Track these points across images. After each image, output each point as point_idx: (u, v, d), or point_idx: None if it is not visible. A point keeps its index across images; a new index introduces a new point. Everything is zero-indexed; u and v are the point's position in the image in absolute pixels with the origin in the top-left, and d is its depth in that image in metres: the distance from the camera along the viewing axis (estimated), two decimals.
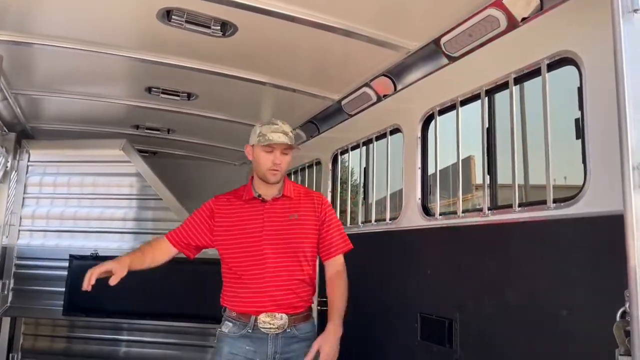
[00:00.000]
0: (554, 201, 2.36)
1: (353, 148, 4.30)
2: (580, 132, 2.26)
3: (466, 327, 2.84)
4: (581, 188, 2.24)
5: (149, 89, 4.13)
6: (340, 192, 4.66)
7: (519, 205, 2.55)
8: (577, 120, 2.29)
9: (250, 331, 2.53)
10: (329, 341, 2.45)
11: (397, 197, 3.77)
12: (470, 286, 2.82)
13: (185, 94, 4.24)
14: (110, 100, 4.41)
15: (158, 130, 5.51)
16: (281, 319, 2.53)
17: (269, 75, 3.80)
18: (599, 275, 2.13)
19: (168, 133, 5.59)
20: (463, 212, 2.95)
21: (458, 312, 2.90)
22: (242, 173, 6.65)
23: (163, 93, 4.17)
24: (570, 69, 2.34)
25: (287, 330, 2.54)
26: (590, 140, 2.21)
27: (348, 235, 2.76)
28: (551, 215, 2.35)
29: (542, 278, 2.36)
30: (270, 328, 2.52)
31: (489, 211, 2.76)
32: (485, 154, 2.79)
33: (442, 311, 3.01)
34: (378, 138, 3.92)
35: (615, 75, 1.59)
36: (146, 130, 5.43)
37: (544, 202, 2.40)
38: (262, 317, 2.52)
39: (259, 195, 2.66)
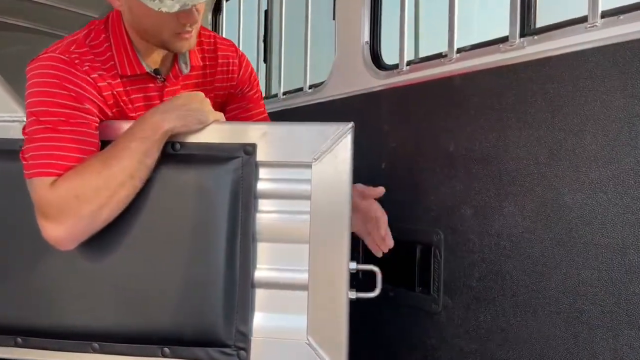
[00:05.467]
0: None
1: None
2: None
3: (458, 257, 1.58)
4: None
5: None
6: None
7: (603, 16, 1.25)
8: None
9: None
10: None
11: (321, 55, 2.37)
12: (470, 185, 1.54)
13: None
14: None
15: None
16: None
17: None
18: None
19: None
20: (458, 51, 1.62)
21: (442, 231, 1.64)
22: None
23: None
24: None
25: None
26: None
27: None
28: None
29: None
30: None
31: (523, 39, 1.44)
32: None
33: (410, 231, 1.74)
34: None
35: None
36: None
37: None
38: None
39: (156, 72, 1.48)
